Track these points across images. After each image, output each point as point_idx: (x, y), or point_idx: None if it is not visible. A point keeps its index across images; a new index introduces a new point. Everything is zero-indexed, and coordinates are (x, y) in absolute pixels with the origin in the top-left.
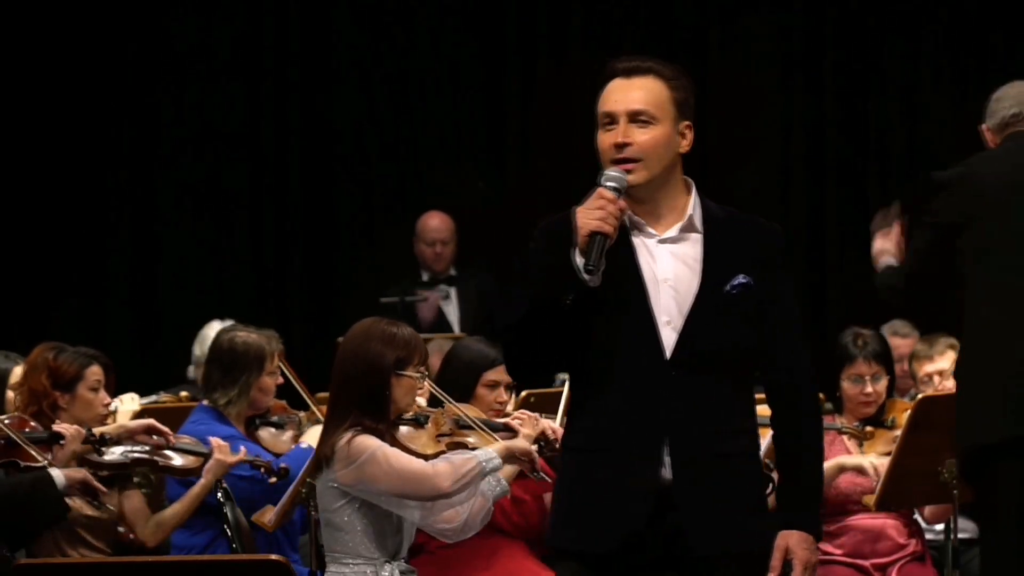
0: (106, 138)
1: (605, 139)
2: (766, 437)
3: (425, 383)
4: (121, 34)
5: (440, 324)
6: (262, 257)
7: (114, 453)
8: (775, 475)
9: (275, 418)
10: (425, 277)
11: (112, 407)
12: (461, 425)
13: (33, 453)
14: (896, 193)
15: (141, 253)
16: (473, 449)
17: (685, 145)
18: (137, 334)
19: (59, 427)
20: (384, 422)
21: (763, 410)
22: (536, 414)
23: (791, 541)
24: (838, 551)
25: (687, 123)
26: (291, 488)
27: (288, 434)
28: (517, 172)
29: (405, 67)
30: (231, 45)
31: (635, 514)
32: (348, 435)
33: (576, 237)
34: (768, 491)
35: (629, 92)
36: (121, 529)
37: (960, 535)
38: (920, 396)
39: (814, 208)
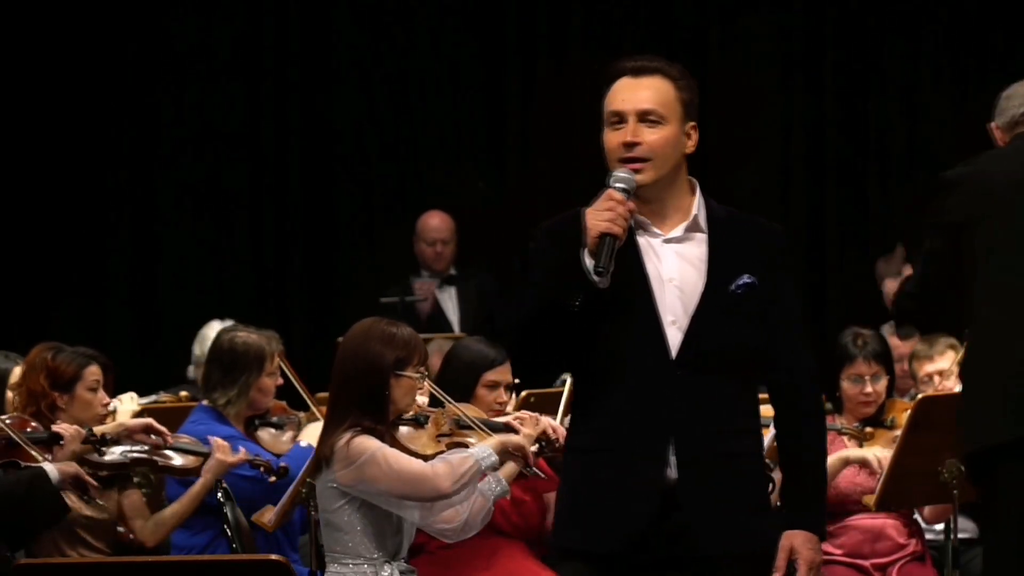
0: (106, 138)
1: (613, 138)
2: (766, 437)
3: (425, 383)
4: (121, 34)
5: (440, 324)
6: (262, 257)
7: (114, 453)
8: (775, 475)
9: (274, 419)
10: (423, 277)
11: (111, 407)
12: (461, 425)
13: (33, 453)
14: (896, 193)
15: (141, 253)
16: None
17: (691, 145)
18: (137, 334)
19: (59, 428)
20: (383, 422)
21: (764, 410)
22: (537, 414)
23: (796, 541)
24: (838, 551)
25: (692, 123)
26: (291, 488)
27: (288, 435)
28: (517, 172)
29: (405, 67)
30: (231, 45)
31: (640, 514)
32: (347, 435)
33: (585, 238)
34: (769, 491)
35: (638, 91)
36: (121, 529)
37: (960, 535)
38: (920, 396)
39: (814, 208)
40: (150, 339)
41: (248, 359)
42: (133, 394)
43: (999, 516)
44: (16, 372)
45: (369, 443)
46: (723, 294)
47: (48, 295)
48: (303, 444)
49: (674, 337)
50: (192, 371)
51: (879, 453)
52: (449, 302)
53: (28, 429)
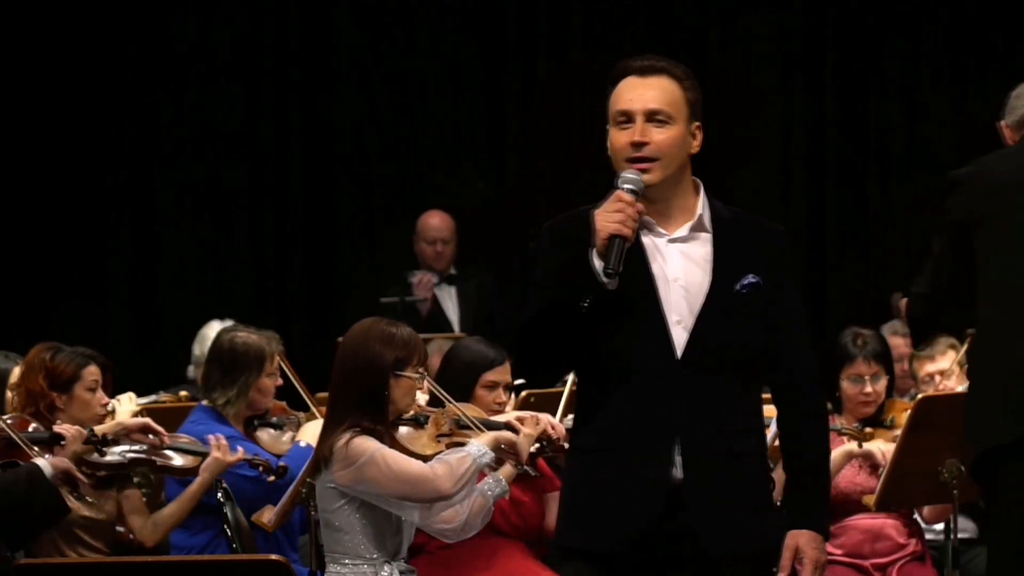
0: (106, 138)
1: (620, 137)
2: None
3: (424, 383)
4: (121, 34)
5: (440, 323)
6: (262, 257)
7: (113, 453)
8: (775, 474)
9: (274, 419)
10: (417, 276)
11: (110, 407)
12: (461, 425)
13: (33, 454)
14: (896, 193)
15: (141, 253)
16: None
17: (696, 145)
18: (137, 334)
19: (60, 428)
20: (383, 423)
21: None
22: (537, 413)
23: (801, 541)
24: (838, 551)
25: (697, 123)
26: (291, 488)
27: (287, 435)
28: (517, 172)
29: (405, 67)
30: (231, 45)
31: (645, 513)
32: (346, 436)
33: (595, 239)
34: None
35: (645, 91)
36: (120, 529)
37: (960, 535)
38: (920, 396)
39: (814, 208)
40: (150, 339)
41: (248, 359)
42: (132, 394)
43: (999, 517)
44: (16, 372)
45: (368, 444)
46: (728, 294)
47: (48, 295)
48: (302, 444)
49: (679, 337)
50: (192, 371)
51: (883, 447)
52: (449, 302)
53: (29, 429)
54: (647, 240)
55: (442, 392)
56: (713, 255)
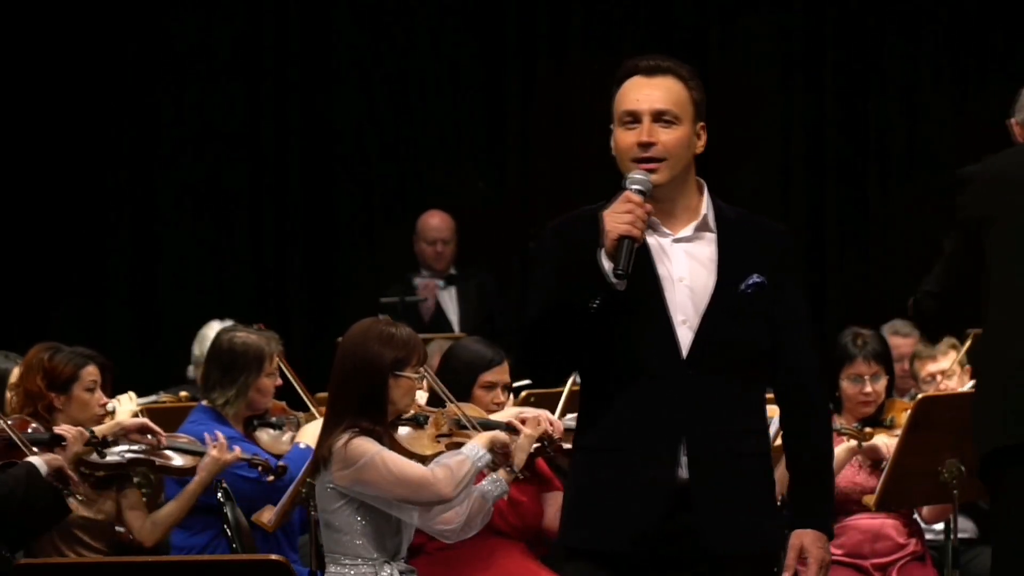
0: (106, 138)
1: (627, 138)
2: None
3: (425, 382)
4: (121, 34)
5: (440, 324)
6: (262, 257)
7: (113, 453)
8: (776, 473)
9: (273, 419)
10: (422, 276)
11: (109, 407)
12: (461, 426)
13: (32, 455)
14: (896, 193)
15: (141, 253)
16: None
17: (700, 145)
18: (137, 334)
19: (61, 429)
20: (382, 423)
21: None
22: (537, 413)
23: (805, 540)
24: (838, 551)
25: (702, 123)
26: (291, 488)
27: (287, 435)
28: (517, 172)
29: (405, 67)
30: (231, 45)
31: (650, 513)
32: (345, 437)
33: (604, 240)
34: None
35: (652, 91)
36: (120, 529)
37: (960, 535)
38: (920, 396)
39: (814, 208)
40: (150, 339)
41: (247, 359)
42: (132, 394)
43: (1003, 518)
44: (15, 373)
45: (368, 446)
46: (733, 294)
47: (48, 295)
48: (301, 446)
49: (685, 337)
50: (192, 371)
51: (887, 440)
52: (449, 302)
53: (29, 430)
54: (652, 240)
55: (443, 389)
56: (718, 255)
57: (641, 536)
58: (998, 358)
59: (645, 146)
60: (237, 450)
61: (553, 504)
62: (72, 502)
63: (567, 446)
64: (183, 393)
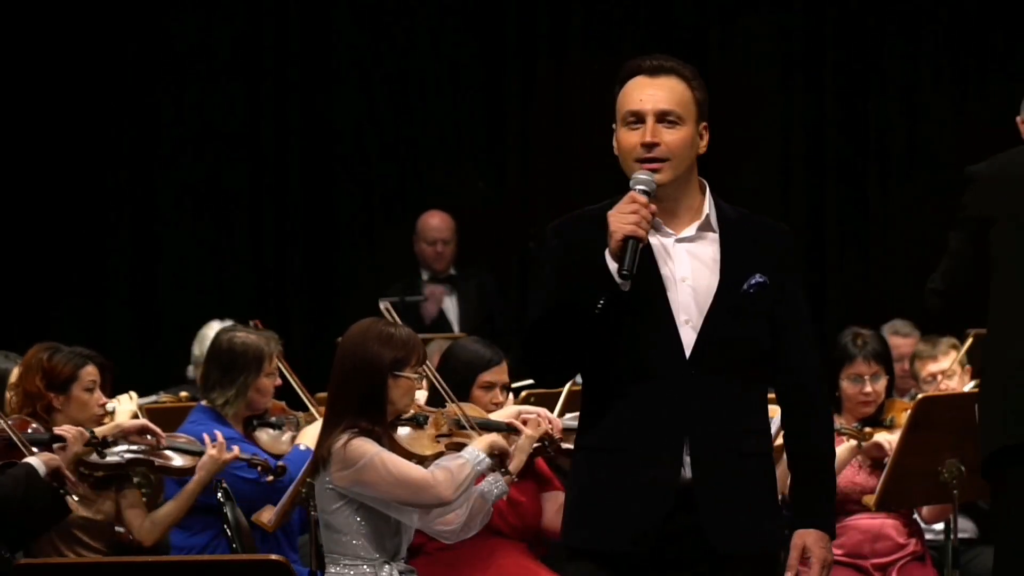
0: (106, 138)
1: (630, 138)
2: None
3: (424, 382)
4: (121, 34)
5: (440, 324)
6: (262, 257)
7: (113, 454)
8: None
9: (273, 419)
10: (425, 276)
11: (109, 407)
12: (461, 426)
13: (32, 455)
14: (896, 193)
15: (141, 253)
16: None
17: (703, 146)
18: (137, 334)
19: (61, 430)
20: (381, 423)
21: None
22: (538, 412)
23: (808, 540)
24: (838, 551)
25: (705, 124)
26: (291, 488)
27: (287, 435)
28: (517, 172)
29: (405, 67)
30: (231, 45)
31: (654, 513)
32: (345, 437)
33: (610, 241)
34: None
35: (656, 91)
36: (119, 529)
37: (960, 535)
38: (920, 396)
39: (814, 208)
40: (150, 339)
41: (247, 359)
42: (132, 394)
43: (1005, 517)
44: (15, 373)
45: (367, 447)
46: (736, 294)
47: (48, 295)
48: (301, 447)
49: (688, 337)
50: (192, 371)
51: (889, 437)
52: (449, 302)
53: (29, 430)
54: (654, 240)
55: (444, 387)
56: (721, 255)
57: (643, 536)
58: (999, 358)
59: (649, 146)
60: (236, 449)
61: (553, 504)
62: (72, 502)
63: (567, 446)
64: (183, 393)
